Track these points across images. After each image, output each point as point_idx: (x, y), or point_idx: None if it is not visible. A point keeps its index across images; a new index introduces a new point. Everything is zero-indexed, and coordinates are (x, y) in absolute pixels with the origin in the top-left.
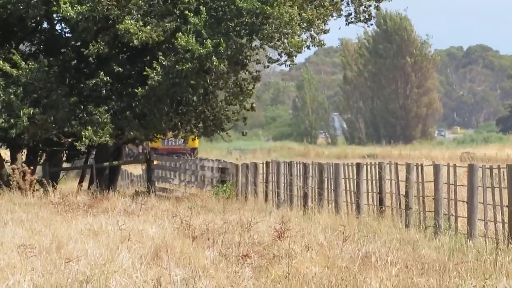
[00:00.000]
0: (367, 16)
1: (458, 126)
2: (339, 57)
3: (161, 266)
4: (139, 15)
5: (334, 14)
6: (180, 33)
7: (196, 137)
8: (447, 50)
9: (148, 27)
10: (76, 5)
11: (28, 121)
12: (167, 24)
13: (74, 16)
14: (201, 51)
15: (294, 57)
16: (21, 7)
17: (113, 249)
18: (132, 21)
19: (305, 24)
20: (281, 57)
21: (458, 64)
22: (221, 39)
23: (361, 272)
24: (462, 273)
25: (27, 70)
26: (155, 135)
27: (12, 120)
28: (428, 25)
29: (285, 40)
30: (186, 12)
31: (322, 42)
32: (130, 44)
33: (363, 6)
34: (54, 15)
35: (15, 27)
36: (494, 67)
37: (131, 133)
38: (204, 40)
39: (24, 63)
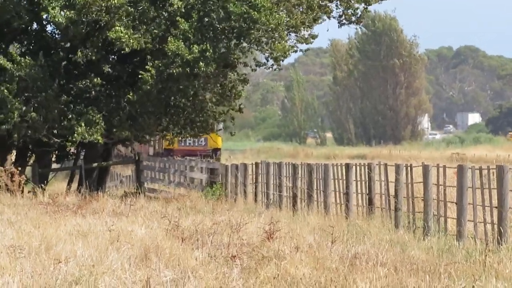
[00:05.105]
0: (357, 17)
1: (448, 126)
2: (329, 57)
3: (150, 267)
4: (128, 21)
5: (324, 17)
6: (170, 37)
7: (218, 136)
8: (438, 50)
9: (138, 34)
10: (64, 10)
11: (20, 118)
12: (155, 31)
13: (63, 22)
14: (188, 57)
15: (280, 61)
16: (9, 8)
17: (102, 250)
18: (122, 28)
19: (291, 28)
20: (268, 61)
21: (448, 64)
22: (208, 45)
23: (351, 273)
24: (452, 274)
25: (22, 64)
26: (170, 134)
27: (3, 115)
28: (418, 25)
29: (272, 45)
30: (178, 18)
31: (312, 37)
32: (122, 52)
33: (351, 9)
34: (44, 17)
35: (4, 29)
36: (484, 68)
37: (122, 132)
38: (192, 46)
39: (20, 58)
